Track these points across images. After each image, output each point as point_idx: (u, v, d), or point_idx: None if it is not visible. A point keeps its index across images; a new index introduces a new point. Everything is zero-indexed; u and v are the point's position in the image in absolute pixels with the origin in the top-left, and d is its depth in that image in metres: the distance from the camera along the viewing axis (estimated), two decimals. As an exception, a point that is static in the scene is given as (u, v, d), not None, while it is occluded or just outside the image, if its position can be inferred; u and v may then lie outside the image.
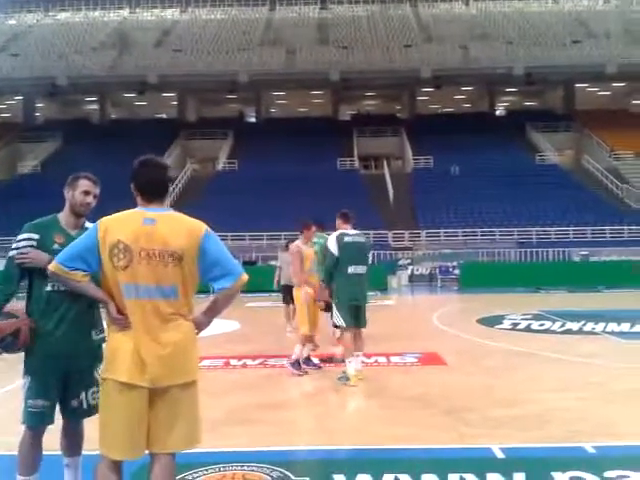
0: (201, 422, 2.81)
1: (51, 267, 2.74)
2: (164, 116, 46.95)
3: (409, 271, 24.82)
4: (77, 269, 2.70)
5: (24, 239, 3.09)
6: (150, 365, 2.61)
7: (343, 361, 6.73)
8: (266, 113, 45.03)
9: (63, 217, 3.22)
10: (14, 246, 3.12)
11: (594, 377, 6.76)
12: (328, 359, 7.78)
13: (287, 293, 10.35)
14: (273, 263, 12.67)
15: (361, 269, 6.59)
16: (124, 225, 2.69)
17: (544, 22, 41.69)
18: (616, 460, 4.07)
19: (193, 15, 46.30)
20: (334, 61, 38.03)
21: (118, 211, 2.80)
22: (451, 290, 21.93)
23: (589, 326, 10.75)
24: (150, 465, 2.71)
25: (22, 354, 3.13)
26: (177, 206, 25.61)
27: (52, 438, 3.23)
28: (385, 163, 36.63)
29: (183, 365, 2.70)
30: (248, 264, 22.35)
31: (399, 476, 3.77)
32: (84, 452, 3.26)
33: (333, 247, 6.56)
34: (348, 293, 6.56)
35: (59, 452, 3.28)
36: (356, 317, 6.62)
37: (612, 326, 10.61)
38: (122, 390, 2.62)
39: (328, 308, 7.06)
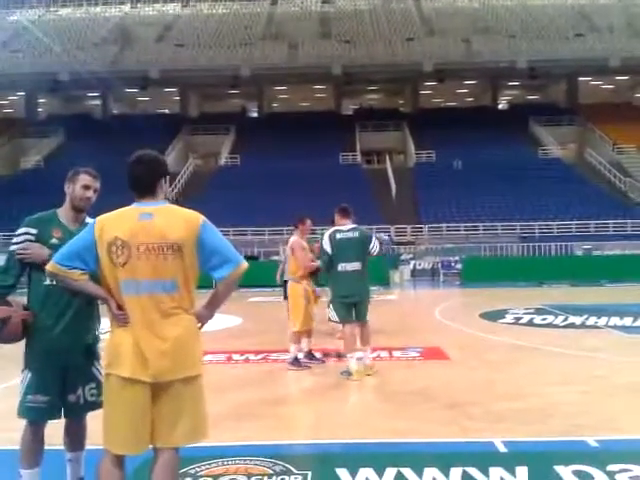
0: (206, 416, 2.81)
1: (49, 267, 2.74)
2: (166, 111, 46.93)
3: (411, 266, 24.82)
4: (74, 268, 2.69)
5: (22, 233, 3.10)
6: (152, 360, 2.61)
7: (345, 355, 6.73)
8: (268, 108, 44.98)
9: (63, 212, 3.22)
10: (14, 240, 3.13)
11: (597, 371, 6.75)
12: (331, 354, 7.77)
13: None
14: (276, 258, 12.60)
15: (352, 266, 6.53)
16: (120, 222, 2.69)
17: (547, 15, 41.51)
18: (619, 454, 4.07)
19: (194, 10, 46.20)
20: (336, 55, 37.95)
21: (121, 206, 2.80)
22: (453, 285, 21.92)
23: (592, 320, 10.74)
24: (153, 460, 2.71)
25: (22, 349, 3.14)
26: (179, 201, 25.66)
27: (55, 433, 3.24)
28: (387, 158, 36.57)
29: (185, 359, 2.69)
30: (250, 259, 22.38)
31: (401, 470, 3.77)
32: (87, 447, 3.26)
33: (327, 245, 6.59)
34: (340, 290, 6.60)
35: (62, 447, 3.29)
36: (355, 312, 6.61)
37: (615, 320, 10.60)
38: (125, 385, 2.63)
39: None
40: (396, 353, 7.88)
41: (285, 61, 38.25)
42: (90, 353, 3.14)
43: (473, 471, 3.74)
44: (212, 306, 2.85)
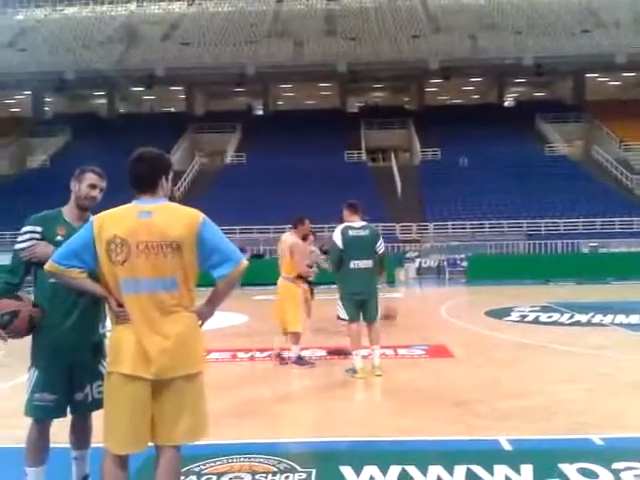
0: (207, 414, 2.81)
1: (47, 266, 2.74)
2: (172, 110, 47.00)
3: (417, 264, 24.79)
4: (73, 266, 2.69)
5: (28, 232, 3.12)
6: (154, 357, 2.62)
7: (351, 353, 6.73)
8: (274, 106, 44.98)
9: (67, 210, 3.24)
10: (19, 239, 3.14)
11: (602, 369, 6.74)
12: (337, 351, 7.78)
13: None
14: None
15: (364, 264, 6.52)
16: (120, 220, 2.69)
17: (553, 12, 41.29)
18: (624, 452, 4.06)
19: (200, 8, 46.21)
20: (342, 53, 37.89)
21: (126, 204, 2.80)
22: (459, 282, 21.88)
23: (597, 318, 10.70)
24: (156, 458, 2.72)
25: (29, 347, 3.16)
26: (185, 199, 25.69)
27: (61, 431, 3.26)
28: (393, 155, 36.52)
29: (186, 357, 2.70)
30: (256, 257, 22.40)
31: (406, 467, 3.77)
32: (93, 445, 3.27)
33: (338, 240, 6.54)
34: (350, 287, 6.56)
35: (68, 445, 3.31)
36: (363, 311, 6.61)
37: (621, 318, 10.56)
38: (125, 382, 2.63)
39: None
40: (401, 351, 7.88)
41: (290, 59, 38.22)
42: (97, 351, 3.15)
43: (478, 469, 3.74)
44: (212, 304, 2.85)
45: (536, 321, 10.70)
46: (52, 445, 3.20)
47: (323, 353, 7.88)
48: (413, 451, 4.18)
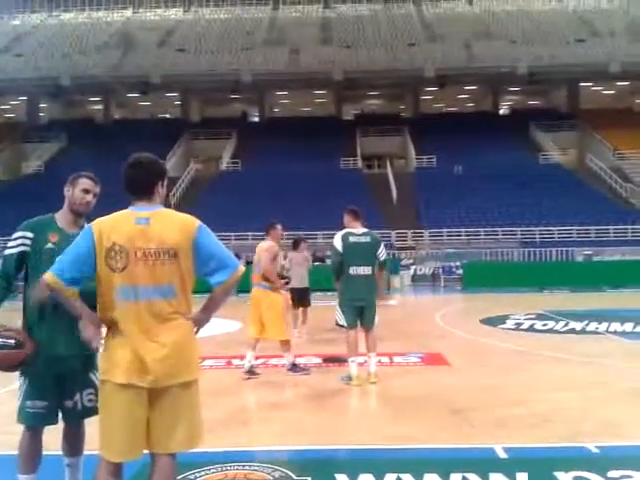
0: (202, 422, 2.79)
1: (47, 278, 2.65)
2: (168, 116, 47.02)
3: (412, 271, 24.82)
4: (73, 282, 2.63)
5: (19, 237, 3.09)
6: (150, 365, 2.59)
7: (346, 361, 6.72)
8: (269, 113, 45.06)
9: (60, 215, 3.21)
10: (9, 244, 3.11)
11: (597, 377, 6.74)
12: (333, 359, 7.76)
13: (300, 296, 10.13)
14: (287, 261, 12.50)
15: (363, 270, 6.52)
16: (117, 226, 2.66)
17: (548, 21, 41.62)
18: (620, 460, 4.05)
19: (196, 15, 46.35)
20: (337, 60, 38.02)
21: (121, 210, 2.77)
22: (454, 290, 21.90)
23: (592, 326, 10.72)
24: (151, 465, 2.70)
25: None
26: (180, 206, 25.66)
27: (53, 438, 3.23)
28: (388, 162, 36.60)
29: (183, 364, 2.68)
30: (251, 264, 22.35)
31: (401, 476, 3.75)
32: (86, 452, 3.25)
33: (338, 245, 6.54)
34: (350, 293, 6.55)
35: (60, 452, 3.28)
36: (361, 317, 6.60)
37: (615, 326, 10.59)
38: (121, 391, 2.61)
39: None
40: (397, 359, 7.86)
41: (286, 66, 38.33)
42: (87, 360, 3.12)
43: (473, 477, 3.73)
44: (208, 311, 2.83)
45: (531, 329, 10.71)
46: (45, 452, 3.18)
47: (319, 360, 7.86)
48: (409, 459, 4.16)
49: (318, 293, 19.80)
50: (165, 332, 2.64)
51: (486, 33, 41.23)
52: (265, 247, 7.16)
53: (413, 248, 26.98)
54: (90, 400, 3.05)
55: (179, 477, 3.46)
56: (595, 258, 24.25)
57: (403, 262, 25.02)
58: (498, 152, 33.72)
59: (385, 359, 7.64)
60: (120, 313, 2.63)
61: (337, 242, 6.57)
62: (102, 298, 2.68)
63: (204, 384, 2.83)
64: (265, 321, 6.97)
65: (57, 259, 2.72)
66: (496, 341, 9.38)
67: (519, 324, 11.26)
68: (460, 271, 23.18)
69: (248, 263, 22.72)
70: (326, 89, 43.43)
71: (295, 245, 10.54)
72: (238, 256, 19.87)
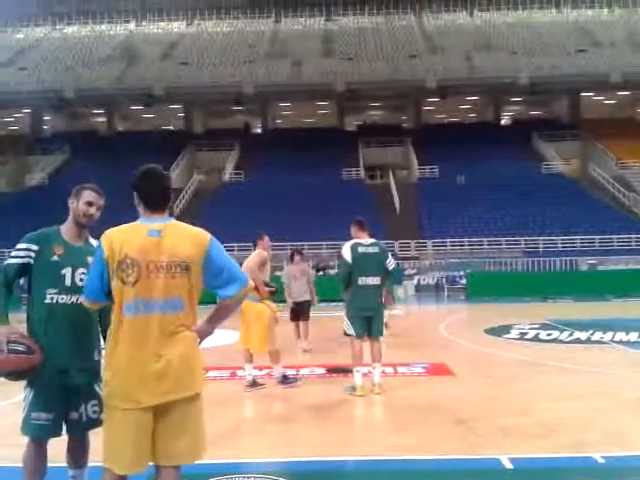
0: (205, 434, 2.79)
1: (87, 306, 2.81)
2: (171, 128, 47.22)
3: (415, 281, 24.76)
4: (107, 297, 2.71)
5: (24, 249, 3.09)
6: (155, 382, 2.59)
7: (350, 371, 6.70)
8: (272, 124, 45.23)
9: (65, 228, 3.22)
10: (13, 254, 3.11)
11: (603, 387, 6.71)
12: (337, 369, 7.74)
13: (298, 310, 9.92)
14: (279, 274, 12.44)
15: (372, 280, 6.53)
16: (129, 239, 2.66)
17: (548, 32, 41.78)
18: (626, 470, 4.03)
19: (199, 28, 46.65)
20: (339, 72, 38.19)
21: (125, 222, 2.78)
22: (458, 300, 21.84)
23: (597, 335, 10.68)
24: (155, 477, 2.70)
25: None
26: (183, 217, 25.69)
27: (58, 450, 3.23)
28: (391, 173, 36.66)
29: (188, 379, 2.68)
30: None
31: (406, 487, 3.74)
32: (90, 464, 3.24)
33: (347, 256, 6.55)
34: (358, 303, 6.54)
35: (65, 464, 3.26)
36: (368, 327, 6.59)
37: (620, 335, 10.54)
38: (125, 413, 2.61)
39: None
40: (401, 369, 7.84)
41: (289, 78, 38.51)
42: (92, 372, 3.11)
43: (479, 488, 3.71)
44: (213, 323, 2.84)
45: (536, 339, 10.66)
46: (50, 464, 3.17)
47: (323, 371, 7.84)
48: (413, 470, 4.15)
49: (322, 304, 19.79)
50: (171, 345, 2.64)
51: (487, 44, 41.40)
52: (254, 254, 7.21)
53: (416, 258, 26.94)
54: (95, 412, 3.05)
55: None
56: (599, 267, 24.19)
57: (406, 272, 24.98)
58: (501, 162, 33.75)
59: (389, 369, 7.62)
60: (130, 327, 2.62)
61: (346, 253, 6.58)
62: (114, 311, 2.68)
63: (208, 395, 2.83)
64: (250, 332, 6.93)
65: (86, 287, 2.79)
66: (500, 351, 9.35)
67: (523, 334, 11.22)
68: (464, 281, 23.12)
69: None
70: (328, 100, 43.59)
71: (291, 258, 10.44)
72: (241, 267, 19.87)
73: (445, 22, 45.76)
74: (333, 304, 18.31)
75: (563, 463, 4.24)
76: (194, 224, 2.86)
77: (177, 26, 47.26)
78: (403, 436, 4.97)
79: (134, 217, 2.83)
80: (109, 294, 2.68)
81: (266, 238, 7.49)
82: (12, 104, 40.74)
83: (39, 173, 38.01)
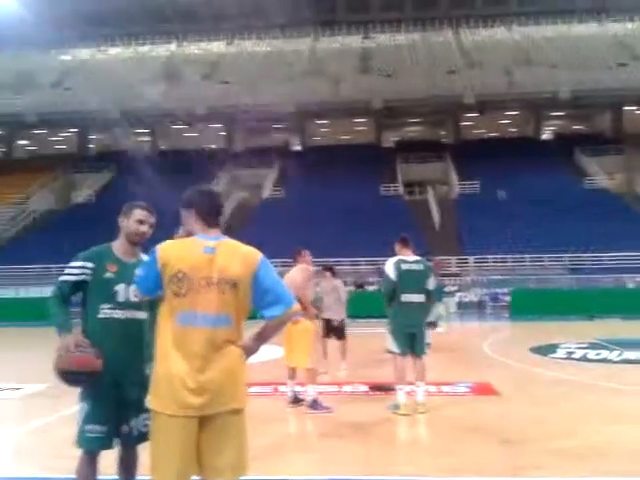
0: (248, 450, 2.80)
1: (135, 295, 2.92)
2: (212, 146, 48.00)
3: (457, 298, 24.44)
4: (148, 291, 2.82)
5: (79, 267, 3.16)
6: (200, 393, 2.62)
7: (393, 389, 6.63)
8: (310, 141, 45.57)
9: (117, 245, 3.28)
10: (67, 272, 3.17)
11: (656, 408, 6.48)
12: (380, 387, 7.67)
13: (328, 327, 9.46)
14: (318, 289, 12.30)
15: (416, 297, 6.49)
16: (184, 253, 2.72)
17: (588, 46, 41.21)
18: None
19: (239, 48, 47.49)
20: (377, 89, 38.31)
21: (167, 239, 2.83)
22: (502, 318, 21.47)
23: (648, 355, 10.35)
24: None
25: None
26: (223, 234, 25.88)
27: (109, 462, 3.27)
28: (430, 189, 36.44)
29: (233, 391, 2.71)
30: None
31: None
32: (139, 477, 3.28)
33: (391, 272, 6.52)
34: (402, 320, 6.49)
35: (115, 477, 3.31)
36: (411, 344, 6.53)
37: (672, 355, 10.19)
38: (172, 422, 2.64)
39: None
40: (445, 388, 7.72)
41: (327, 96, 38.80)
42: (144, 385, 3.15)
43: (530, 511, 3.61)
44: (259, 341, 2.87)
45: (584, 358, 10.38)
46: (100, 477, 3.21)
47: (365, 388, 7.78)
48: (461, 491, 4.06)
49: (360, 320, 19.67)
50: (217, 359, 2.68)
51: (526, 59, 41.04)
52: (298, 269, 6.98)
53: (457, 275, 26.62)
54: (145, 425, 3.07)
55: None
56: (647, 285, 23.50)
57: (447, 289, 24.67)
58: (542, 177, 33.23)
59: (433, 388, 7.50)
60: (179, 338, 2.67)
61: (389, 269, 6.55)
62: (162, 322, 2.74)
63: (250, 411, 2.84)
64: (293, 348, 6.86)
65: (139, 283, 2.85)
66: (547, 370, 9.13)
67: (570, 353, 10.94)
68: (507, 298, 22.72)
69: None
70: (366, 117, 43.77)
71: (325, 274, 10.07)
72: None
73: (483, 37, 45.56)
74: (374, 320, 18.24)
75: (617, 487, 4.10)
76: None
77: (217, 46, 48.20)
78: (448, 456, 4.88)
79: (173, 233, 2.89)
80: (151, 289, 2.79)
81: (306, 253, 7.33)
82: (59, 124, 42.19)
83: (86, 190, 39.05)
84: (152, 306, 3.00)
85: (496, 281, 24.63)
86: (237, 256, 2.76)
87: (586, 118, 44.06)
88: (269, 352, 9.10)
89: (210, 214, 2.84)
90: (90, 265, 3.16)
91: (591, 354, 10.73)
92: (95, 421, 3.08)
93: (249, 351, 2.83)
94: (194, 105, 38.75)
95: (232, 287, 2.70)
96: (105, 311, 3.13)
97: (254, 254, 2.81)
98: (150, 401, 2.75)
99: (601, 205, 29.96)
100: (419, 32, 46.42)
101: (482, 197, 32.62)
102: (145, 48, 48.59)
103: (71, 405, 3.20)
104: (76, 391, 3.19)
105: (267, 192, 37.85)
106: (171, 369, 2.66)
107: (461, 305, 24.14)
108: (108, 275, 3.14)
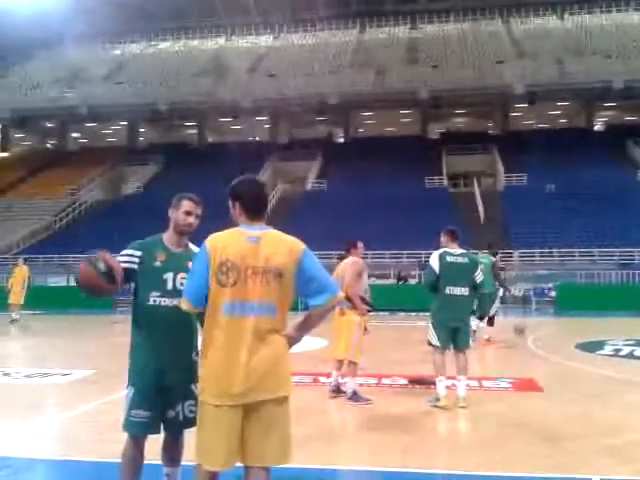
0: (292, 439, 2.85)
1: (185, 306, 2.85)
2: (257, 138, 48.39)
3: (501, 292, 24.01)
4: (201, 303, 2.78)
5: (127, 254, 3.29)
6: (245, 381, 2.68)
7: (433, 383, 6.62)
8: (354, 133, 45.43)
9: (167, 236, 3.39)
10: (117, 259, 3.27)
11: None
12: (420, 380, 7.66)
13: None
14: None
15: (460, 290, 6.44)
16: (231, 243, 2.78)
17: (643, 35, 39.72)
18: None
19: (285, 41, 47.63)
20: (423, 80, 37.87)
21: (215, 231, 2.89)
22: (547, 313, 21.06)
23: (700, 354, 10.01)
24: (245, 477, 2.78)
25: (123, 367, 3.32)
26: (267, 225, 26.10)
27: (154, 447, 3.37)
28: (475, 181, 35.88)
29: (277, 380, 2.76)
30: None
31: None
32: (184, 463, 3.36)
33: (435, 264, 6.50)
34: (444, 313, 6.47)
35: (160, 462, 3.40)
36: (454, 338, 6.49)
37: None
38: (218, 411, 2.71)
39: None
40: (486, 383, 7.65)
41: (372, 87, 38.57)
42: (189, 372, 3.24)
43: (570, 509, 3.58)
44: (303, 330, 2.92)
45: (631, 355, 10.12)
46: (146, 461, 3.31)
47: (404, 382, 7.78)
48: (500, 486, 4.05)
49: (401, 313, 19.52)
50: (263, 348, 2.73)
51: (578, 48, 39.86)
52: (350, 262, 6.90)
53: (503, 269, 26.14)
54: (191, 411, 3.17)
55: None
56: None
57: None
58: (593, 169, 32.28)
59: (474, 383, 7.45)
60: (225, 327, 2.74)
61: (434, 261, 6.53)
62: (209, 312, 2.79)
63: (292, 400, 2.89)
64: (339, 339, 6.88)
65: (186, 283, 2.90)
66: (592, 367, 8.95)
67: (618, 350, 10.68)
68: (553, 293, 22.26)
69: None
70: (412, 108, 43.31)
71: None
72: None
73: (534, 26, 44.44)
74: (413, 314, 18.15)
75: (662, 488, 4.02)
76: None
77: (264, 40, 48.46)
78: (489, 452, 4.85)
79: (225, 224, 2.94)
80: (204, 299, 2.78)
81: (360, 245, 7.12)
82: (110, 117, 43.18)
83: (134, 182, 39.92)
84: None
85: (542, 276, 24.12)
86: (281, 246, 2.81)
87: (639, 109, 42.57)
88: (311, 342, 9.18)
89: (254, 205, 2.89)
90: (138, 254, 3.28)
91: (638, 351, 10.45)
92: (141, 406, 3.18)
93: (292, 340, 2.88)
94: (241, 98, 39.09)
95: (277, 276, 2.75)
96: (154, 299, 3.24)
97: (298, 244, 2.85)
98: (198, 391, 2.84)
99: (655, 198, 28.96)
100: (468, 22, 45.61)
101: (530, 189, 31.91)
102: (194, 42, 49.25)
103: (117, 390, 3.33)
104: (123, 377, 3.31)
105: (310, 184, 37.96)
106: (218, 358, 2.73)
107: (505, 299, 23.70)
108: (157, 264, 3.26)
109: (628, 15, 43.72)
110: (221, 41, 49.38)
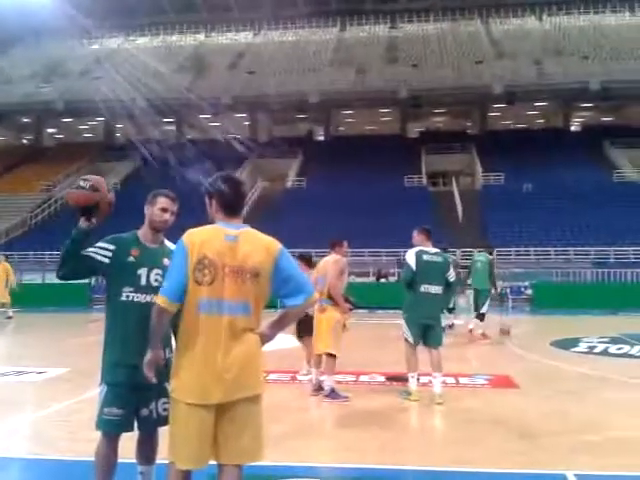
0: (264, 437, 2.85)
1: (161, 303, 2.74)
2: (236, 136, 48.13)
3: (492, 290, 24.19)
4: (180, 299, 2.72)
5: (99, 247, 3.24)
6: (218, 380, 2.68)
7: (407, 379, 6.67)
8: (335, 131, 45.46)
9: (142, 232, 3.36)
10: (89, 248, 3.25)
11: (678, 405, 6.41)
12: (396, 378, 7.69)
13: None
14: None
15: (435, 289, 6.56)
16: (209, 240, 2.76)
17: (620, 36, 40.29)
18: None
19: (266, 38, 47.46)
20: (403, 79, 38.02)
21: (192, 227, 2.87)
22: (523, 311, 21.29)
23: (672, 351, 10.20)
24: (218, 476, 2.78)
25: (96, 365, 3.28)
26: (246, 223, 26.05)
27: (128, 446, 3.34)
28: (454, 180, 36.15)
29: (250, 379, 2.76)
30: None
31: (468, 499, 3.69)
32: (158, 461, 3.34)
33: (412, 262, 6.57)
34: (417, 311, 6.55)
35: (134, 460, 3.38)
36: (427, 335, 6.57)
37: (698, 352, 10.03)
38: (191, 409, 2.70)
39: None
40: (463, 380, 7.71)
41: (352, 86, 38.62)
42: (163, 370, 3.19)
43: (543, 504, 3.62)
44: (276, 328, 2.93)
45: (605, 353, 10.29)
46: (120, 460, 3.28)
47: (382, 379, 7.81)
48: (475, 482, 4.08)
49: (379, 311, 19.60)
50: (236, 346, 2.73)
51: (556, 49, 40.35)
52: (332, 260, 6.88)
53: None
54: (165, 409, 3.14)
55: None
56: (674, 280, 23.05)
57: (469, 281, 24.49)
58: (570, 170, 32.68)
59: (450, 380, 7.51)
60: (200, 325, 2.71)
61: (410, 259, 6.60)
62: (185, 309, 2.76)
63: (267, 398, 2.89)
64: (315, 334, 6.85)
65: (165, 280, 2.82)
66: (567, 364, 9.06)
67: (592, 347, 10.83)
68: (529, 291, 22.51)
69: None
70: (391, 107, 43.45)
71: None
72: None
73: (513, 27, 44.84)
74: (392, 312, 18.22)
75: (633, 483, 4.09)
76: (256, 229, 2.94)
77: (244, 37, 48.23)
78: (464, 448, 4.89)
79: (201, 221, 2.91)
80: (182, 295, 2.74)
81: (345, 244, 7.07)
82: (87, 112, 42.64)
83: (112, 179, 39.41)
84: None
85: (519, 274, 24.37)
86: (258, 245, 2.79)
87: (616, 110, 43.18)
88: (285, 340, 9.15)
89: (232, 203, 2.86)
90: (111, 247, 3.24)
91: (612, 349, 10.63)
92: (113, 404, 3.15)
93: (265, 338, 2.88)
94: (220, 95, 38.86)
95: (253, 276, 2.74)
96: (127, 294, 3.21)
97: (274, 244, 2.85)
98: (171, 388, 2.82)
99: (630, 199, 29.41)
100: (447, 22, 45.86)
101: (507, 189, 32.23)
102: (173, 37, 48.85)
103: (91, 389, 3.29)
104: (98, 375, 3.27)
105: (290, 182, 37.90)
106: (191, 357, 2.72)
107: (493, 297, 23.89)
108: (130, 259, 3.22)
109: (605, 17, 44.33)
110: (201, 37, 49.03)
